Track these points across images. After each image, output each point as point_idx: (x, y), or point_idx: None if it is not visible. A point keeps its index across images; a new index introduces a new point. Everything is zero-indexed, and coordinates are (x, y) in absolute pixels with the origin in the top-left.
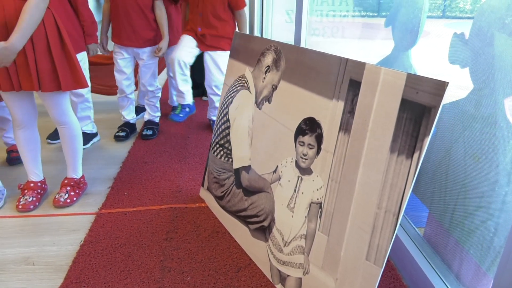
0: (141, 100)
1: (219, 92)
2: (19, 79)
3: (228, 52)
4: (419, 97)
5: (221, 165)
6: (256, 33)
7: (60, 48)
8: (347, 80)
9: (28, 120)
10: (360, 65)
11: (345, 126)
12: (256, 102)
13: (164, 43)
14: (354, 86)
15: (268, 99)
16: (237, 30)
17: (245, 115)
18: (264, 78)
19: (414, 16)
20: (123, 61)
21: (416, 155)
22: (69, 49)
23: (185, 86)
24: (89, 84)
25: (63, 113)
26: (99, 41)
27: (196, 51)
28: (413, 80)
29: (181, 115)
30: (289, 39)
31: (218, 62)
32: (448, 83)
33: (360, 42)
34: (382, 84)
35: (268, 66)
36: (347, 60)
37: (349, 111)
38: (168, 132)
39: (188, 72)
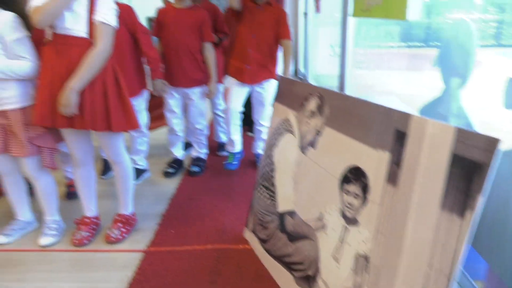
0: (189, 137)
1: (267, 124)
2: (74, 118)
3: (273, 81)
4: (469, 153)
5: (265, 207)
6: (301, 66)
7: (115, 91)
8: (392, 130)
9: (85, 158)
10: (406, 116)
11: (392, 177)
12: (300, 146)
13: (213, 85)
14: (400, 137)
15: (312, 144)
16: (278, 64)
17: (290, 159)
18: (308, 123)
19: (463, 56)
20: (173, 100)
21: (468, 213)
22: (124, 92)
23: (237, 134)
24: (147, 122)
25: (117, 153)
26: None
27: (246, 94)
28: (462, 135)
29: (234, 163)
30: (333, 72)
31: (267, 94)
32: (500, 140)
33: (408, 74)
34: (430, 137)
35: (312, 111)
36: (392, 110)
37: (396, 162)
38: (214, 169)
39: (239, 121)
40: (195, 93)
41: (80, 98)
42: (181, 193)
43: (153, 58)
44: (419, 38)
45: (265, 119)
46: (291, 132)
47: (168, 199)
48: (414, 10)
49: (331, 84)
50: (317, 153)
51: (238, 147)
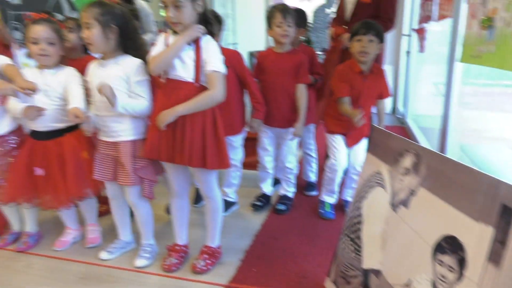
0: (279, 173)
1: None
2: (175, 153)
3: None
4: None
5: (349, 259)
6: (401, 106)
7: (212, 131)
8: (498, 204)
9: (181, 190)
10: None
11: (495, 257)
12: (391, 203)
13: (300, 126)
14: (507, 213)
15: (405, 203)
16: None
17: (379, 214)
18: (402, 180)
19: None
20: (267, 139)
21: None
22: (220, 133)
23: (338, 187)
24: (242, 158)
25: (210, 188)
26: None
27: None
28: None
29: (333, 212)
30: (435, 113)
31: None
32: None
33: None
34: None
35: (406, 168)
36: (500, 182)
37: (500, 240)
38: (301, 208)
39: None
40: (289, 133)
41: (180, 135)
42: (266, 230)
43: (260, 100)
44: None
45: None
46: (383, 186)
47: (252, 235)
48: None
49: (432, 125)
50: (409, 214)
51: (336, 197)
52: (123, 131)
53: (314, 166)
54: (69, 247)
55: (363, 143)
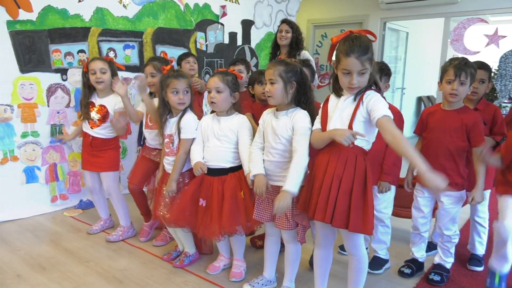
0: (436, 237)
1: None
2: (316, 209)
3: None
4: None
5: None
6: None
7: (361, 192)
8: None
9: (326, 243)
10: None
11: None
12: None
13: (479, 193)
14: None
15: None
16: None
17: None
18: None
19: None
20: (423, 199)
21: None
22: (368, 194)
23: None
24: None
25: (355, 247)
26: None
27: None
28: None
29: (502, 285)
30: None
31: None
32: None
33: None
34: None
35: None
36: None
37: None
38: (459, 284)
39: None
40: (448, 196)
41: (326, 192)
42: None
43: (394, 161)
44: None
45: None
46: None
47: None
48: None
49: None
50: None
51: (508, 266)
52: (285, 177)
53: (484, 237)
54: (219, 272)
55: None
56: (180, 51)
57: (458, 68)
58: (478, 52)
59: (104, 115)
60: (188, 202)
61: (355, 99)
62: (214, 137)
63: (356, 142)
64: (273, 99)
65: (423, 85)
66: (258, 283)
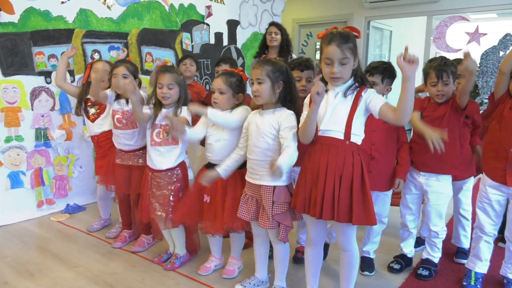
0: (424, 232)
1: None
2: (323, 209)
3: None
4: None
5: None
6: None
7: (360, 186)
8: None
9: (318, 240)
10: None
11: None
12: None
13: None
14: None
15: None
16: None
17: None
18: None
19: None
20: (410, 196)
21: None
22: (367, 188)
23: (488, 253)
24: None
25: (349, 243)
26: None
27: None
28: None
29: (478, 286)
30: None
31: None
32: None
33: None
34: None
35: None
36: None
37: None
38: (447, 277)
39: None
40: (435, 193)
41: (330, 191)
42: None
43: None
44: None
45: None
46: None
47: None
48: None
49: None
50: None
51: (485, 268)
52: (268, 176)
53: (468, 230)
54: (211, 273)
55: None
56: (165, 52)
57: (438, 70)
58: (460, 49)
59: (103, 109)
60: (194, 199)
61: (345, 95)
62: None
63: (352, 139)
64: (260, 98)
65: None
66: (250, 283)
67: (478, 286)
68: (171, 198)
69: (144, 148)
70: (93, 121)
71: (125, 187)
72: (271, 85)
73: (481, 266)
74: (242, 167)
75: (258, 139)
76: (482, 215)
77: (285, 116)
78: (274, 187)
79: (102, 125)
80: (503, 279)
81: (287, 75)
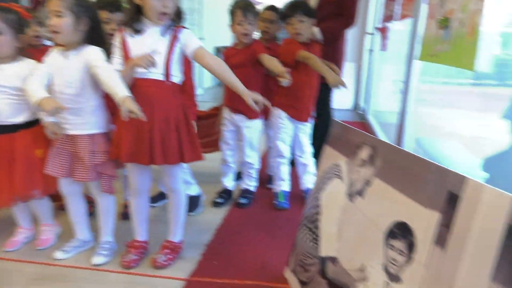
0: (242, 167)
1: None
2: (154, 155)
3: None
4: None
5: (307, 249)
6: (362, 103)
7: (185, 126)
8: (445, 191)
9: (143, 189)
10: (461, 179)
11: (440, 240)
12: (348, 194)
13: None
14: (453, 199)
15: (360, 193)
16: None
17: (336, 205)
18: (358, 171)
19: None
20: (228, 133)
21: None
22: (191, 126)
23: (286, 173)
24: None
25: (176, 182)
26: None
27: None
28: None
29: (287, 202)
30: (395, 109)
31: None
32: None
33: (479, 115)
34: (485, 204)
35: (363, 160)
36: (447, 170)
37: (446, 224)
38: (262, 202)
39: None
40: (248, 128)
41: (160, 136)
42: (227, 225)
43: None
44: (495, 76)
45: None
46: (340, 178)
47: (213, 230)
48: (484, 62)
49: (392, 121)
50: (364, 203)
51: (287, 185)
52: (82, 125)
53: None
54: (21, 247)
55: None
56: None
57: (244, 9)
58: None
59: None
60: None
61: (162, 34)
62: None
63: (173, 79)
64: (60, 35)
65: (220, 35)
66: (72, 247)
67: (286, 201)
68: None
69: None
70: None
71: None
72: (73, 20)
73: (284, 185)
74: (33, 125)
75: (66, 85)
76: (282, 144)
77: (92, 52)
78: (92, 135)
79: None
80: (302, 192)
81: (93, 12)
